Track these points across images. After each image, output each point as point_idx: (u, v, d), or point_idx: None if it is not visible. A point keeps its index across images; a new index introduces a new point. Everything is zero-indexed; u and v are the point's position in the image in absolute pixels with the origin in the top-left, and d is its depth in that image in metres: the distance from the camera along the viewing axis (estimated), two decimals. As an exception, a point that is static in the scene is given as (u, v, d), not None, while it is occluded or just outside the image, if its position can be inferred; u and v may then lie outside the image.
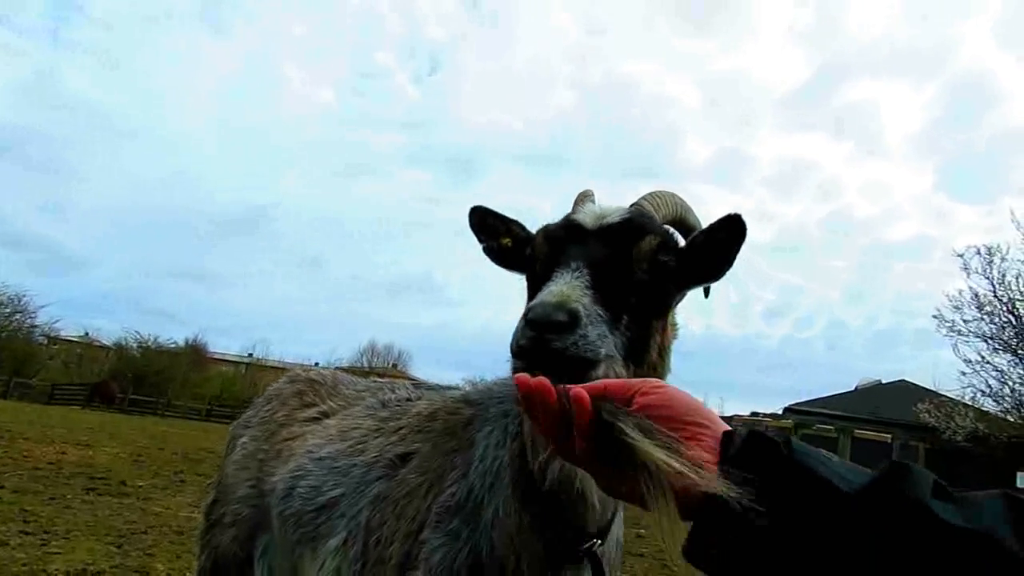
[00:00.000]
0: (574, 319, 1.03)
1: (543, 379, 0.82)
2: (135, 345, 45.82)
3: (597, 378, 1.07)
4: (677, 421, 0.80)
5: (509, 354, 1.05)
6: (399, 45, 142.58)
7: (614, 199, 1.46)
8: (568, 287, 1.10)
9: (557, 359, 1.01)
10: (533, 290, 1.30)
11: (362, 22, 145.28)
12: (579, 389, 0.82)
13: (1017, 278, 20.45)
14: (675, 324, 1.44)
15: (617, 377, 1.11)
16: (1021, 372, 20.64)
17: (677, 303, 1.43)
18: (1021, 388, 20.66)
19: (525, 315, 1.03)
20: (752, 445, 0.77)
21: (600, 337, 1.08)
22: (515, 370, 1.05)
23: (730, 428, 0.81)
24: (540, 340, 1.01)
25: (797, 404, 27.77)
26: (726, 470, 0.74)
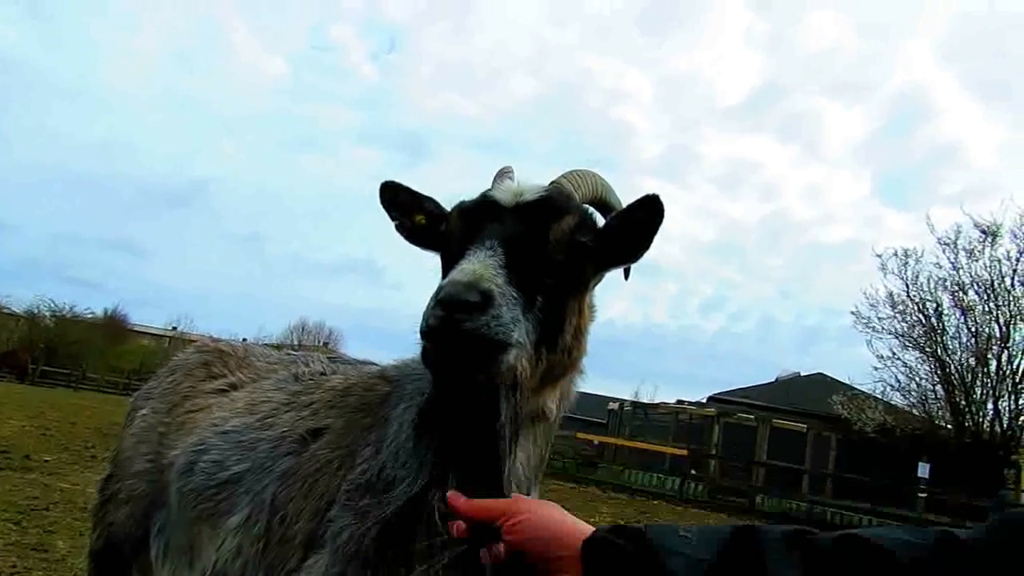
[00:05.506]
0: (487, 299, 0.99)
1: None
2: (48, 314, 43.52)
3: (507, 362, 1.05)
4: (539, 558, 0.92)
5: (418, 335, 1.01)
6: (358, 20, 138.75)
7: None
8: (481, 266, 1.06)
9: (467, 341, 0.98)
10: (447, 269, 1.25)
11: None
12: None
13: (928, 279, 21.61)
14: (593, 306, 1.43)
15: (527, 364, 1.10)
16: (927, 368, 21.90)
17: (595, 284, 1.41)
18: (926, 384, 21.94)
19: (436, 294, 0.99)
20: (602, 554, 0.88)
21: (514, 320, 1.04)
22: (424, 352, 1.02)
23: (588, 536, 0.91)
24: (450, 321, 0.97)
25: (720, 393, 28.65)
26: None
